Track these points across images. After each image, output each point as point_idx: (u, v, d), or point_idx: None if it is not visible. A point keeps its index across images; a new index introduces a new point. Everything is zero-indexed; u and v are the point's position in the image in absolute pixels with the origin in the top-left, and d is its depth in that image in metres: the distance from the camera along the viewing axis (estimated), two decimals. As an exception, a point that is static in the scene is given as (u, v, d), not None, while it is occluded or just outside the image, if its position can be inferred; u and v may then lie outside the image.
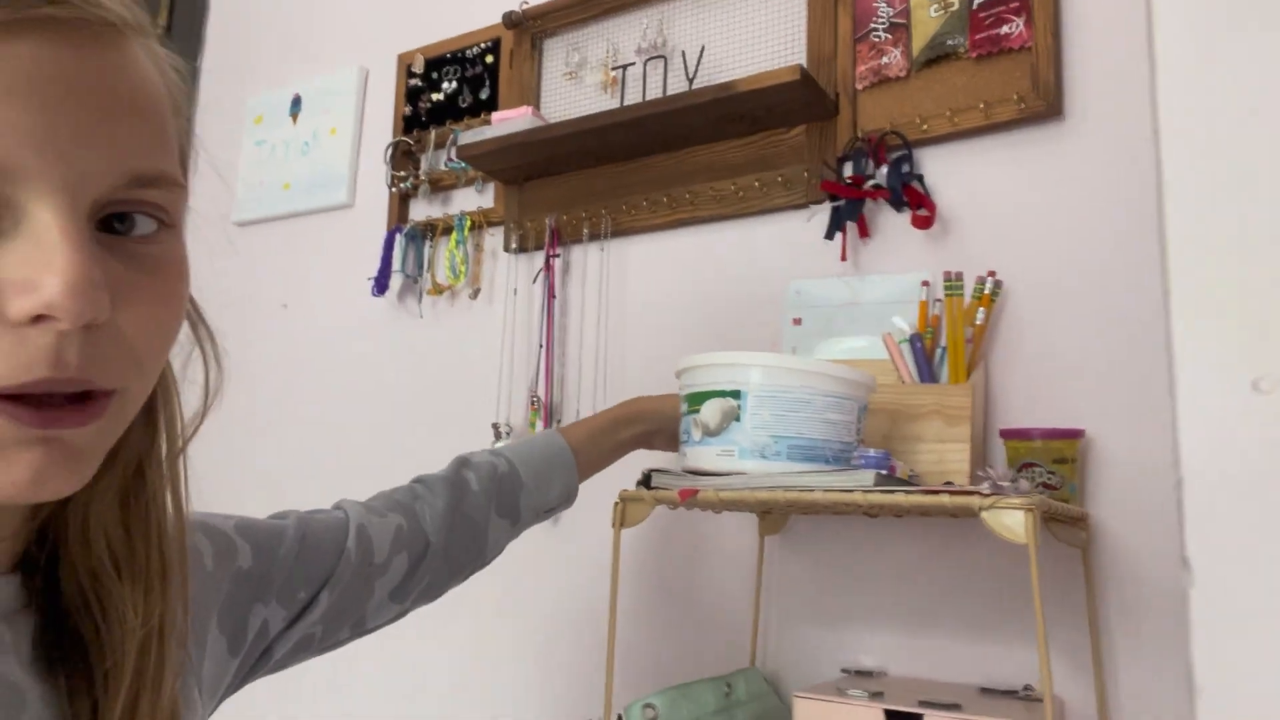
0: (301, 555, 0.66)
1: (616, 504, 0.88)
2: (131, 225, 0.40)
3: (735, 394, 0.85)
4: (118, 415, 0.40)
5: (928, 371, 1.02)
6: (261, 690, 0.67)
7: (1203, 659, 0.39)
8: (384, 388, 1.53)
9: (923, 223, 1.10)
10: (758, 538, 1.13)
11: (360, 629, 0.73)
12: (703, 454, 0.86)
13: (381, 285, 1.53)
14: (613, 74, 1.38)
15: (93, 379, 0.38)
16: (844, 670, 1.04)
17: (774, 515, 1.12)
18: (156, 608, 0.46)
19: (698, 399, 0.87)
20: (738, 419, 0.84)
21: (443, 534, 0.78)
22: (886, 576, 1.07)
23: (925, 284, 1.09)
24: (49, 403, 0.37)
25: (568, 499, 0.89)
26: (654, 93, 1.31)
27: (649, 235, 1.33)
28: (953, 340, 1.01)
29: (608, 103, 1.38)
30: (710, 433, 0.85)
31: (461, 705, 1.34)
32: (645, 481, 0.88)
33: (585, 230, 1.36)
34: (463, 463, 0.84)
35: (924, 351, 1.03)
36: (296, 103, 1.79)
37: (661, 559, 1.22)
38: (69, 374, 0.37)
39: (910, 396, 1.00)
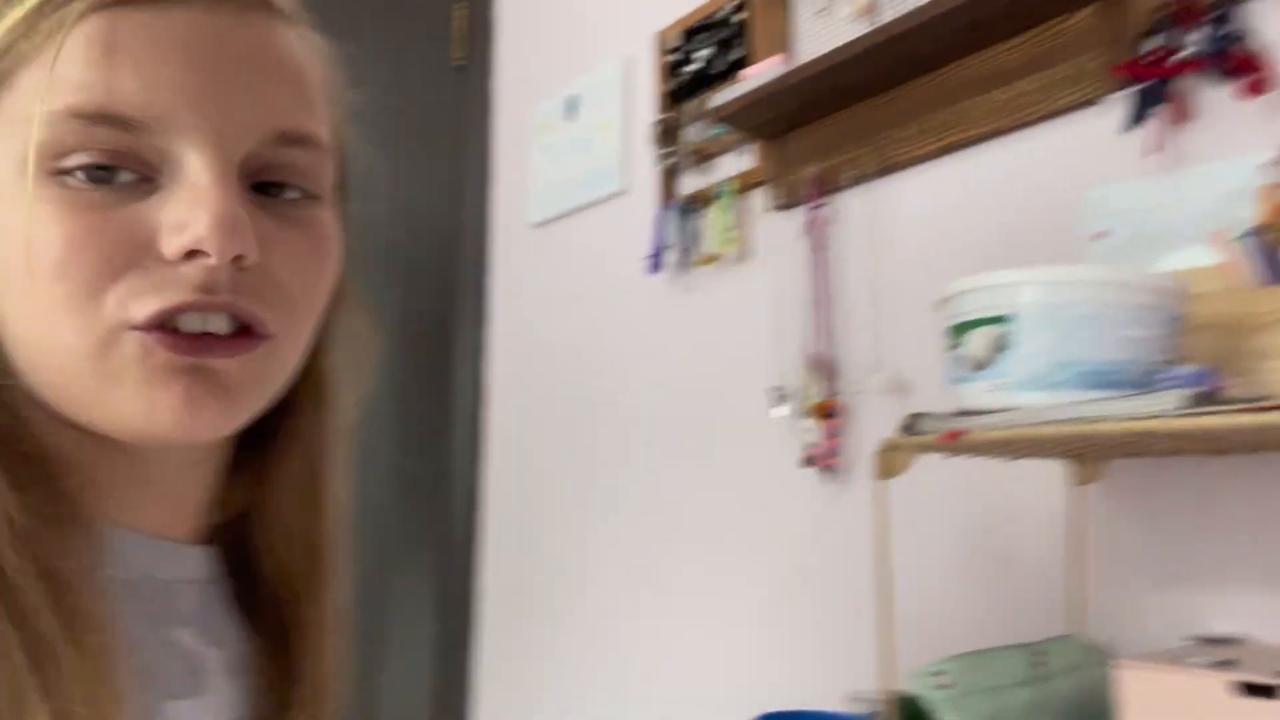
0: None
1: (876, 453, 0.81)
2: (281, 193, 0.43)
3: (1004, 319, 0.74)
4: (268, 360, 0.42)
5: (1273, 270, 0.82)
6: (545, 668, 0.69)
7: None
8: (665, 363, 1.55)
9: (1255, 88, 0.88)
10: (1068, 488, 0.98)
11: None
12: (972, 391, 0.76)
13: (655, 263, 1.56)
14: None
15: (242, 307, 0.40)
16: (1190, 638, 0.87)
17: (1089, 460, 0.97)
18: (327, 596, 0.49)
19: (961, 330, 0.77)
20: (1009, 347, 0.73)
21: None
22: (1247, 526, 0.88)
23: (1268, 165, 0.88)
24: (200, 339, 0.40)
25: None
26: (913, 8, 1.19)
27: (917, 168, 1.22)
28: (1306, 228, 0.80)
29: (864, 31, 1.28)
30: (979, 366, 0.75)
31: (732, 686, 1.32)
32: (909, 427, 0.80)
33: (849, 174, 1.28)
34: None
35: (1270, 247, 0.83)
36: (573, 102, 1.88)
37: (954, 516, 1.10)
38: (218, 297, 0.39)
39: (1252, 303, 0.81)
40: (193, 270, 0.39)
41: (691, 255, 1.51)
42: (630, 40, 1.74)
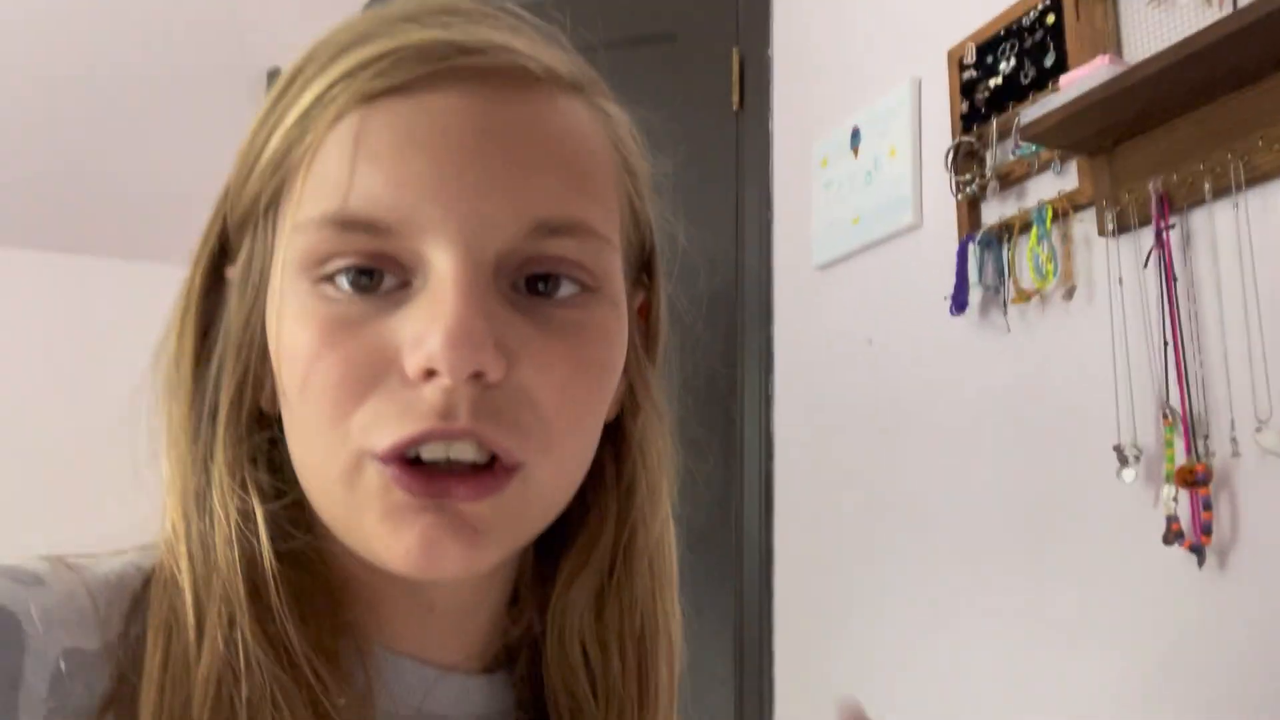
0: None
1: (1298, 549, 0.61)
2: (555, 288, 0.38)
3: None
4: (521, 495, 0.37)
5: None
6: None
7: None
8: (975, 416, 1.37)
9: None
10: None
11: None
12: None
13: (960, 303, 1.39)
14: (1216, -21, 1.06)
15: (486, 435, 0.35)
16: None
17: None
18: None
19: None
20: None
21: None
22: None
23: None
24: (442, 471, 0.35)
25: None
26: (1283, -20, 0.96)
27: (1305, 172, 0.97)
28: None
29: (1213, 18, 1.06)
30: None
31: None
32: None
33: (1207, 186, 1.05)
34: None
35: None
36: (855, 135, 1.77)
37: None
38: (459, 424, 0.35)
39: None
40: (432, 392, 0.35)
41: (1004, 292, 1.33)
42: (918, 61, 1.60)
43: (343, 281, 0.36)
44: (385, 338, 0.35)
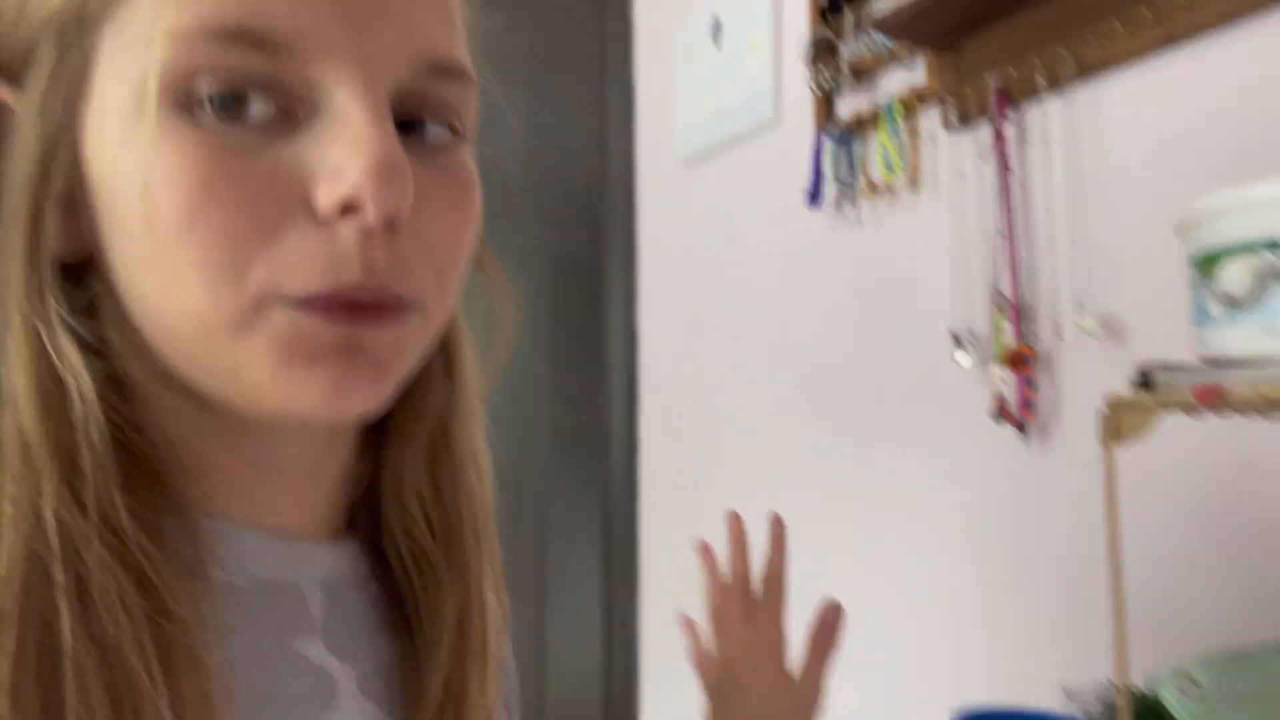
0: None
1: (1103, 413, 0.67)
2: (423, 132, 0.36)
3: (1275, 245, 0.58)
4: (417, 333, 0.36)
5: None
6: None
7: None
8: (831, 304, 1.43)
9: None
10: (1341, 448, 0.81)
11: None
12: (1229, 336, 0.61)
13: (815, 196, 1.43)
14: (1058, -127, 1.08)
15: (396, 285, 0.34)
16: None
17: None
18: (473, 575, 0.42)
19: (1212, 259, 0.62)
20: None
21: None
22: None
23: None
24: (352, 307, 0.34)
25: None
26: (1118, -124, 1.00)
27: (1127, 69, 1.03)
28: None
29: (1055, -88, 1.09)
30: (1238, 305, 0.60)
31: (926, 680, 1.20)
32: (1144, 381, 0.66)
33: (1040, 81, 1.10)
34: None
35: None
36: (717, 26, 1.75)
37: (1198, 481, 0.94)
38: (377, 280, 0.33)
39: None
40: (349, 234, 0.32)
41: (856, 185, 1.37)
42: (779, -50, 1.59)
43: (211, 107, 0.32)
44: (287, 170, 0.32)
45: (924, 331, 1.24)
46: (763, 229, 1.59)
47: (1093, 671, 0.96)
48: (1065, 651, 1.04)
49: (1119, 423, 0.65)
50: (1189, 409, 0.62)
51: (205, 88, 0.31)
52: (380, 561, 0.44)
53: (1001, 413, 1.10)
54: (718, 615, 0.71)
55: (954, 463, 1.20)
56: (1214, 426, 0.90)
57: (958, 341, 1.17)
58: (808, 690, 0.68)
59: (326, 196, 0.32)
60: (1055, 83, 1.09)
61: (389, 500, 0.44)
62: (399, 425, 0.44)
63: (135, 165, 0.32)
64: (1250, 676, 0.65)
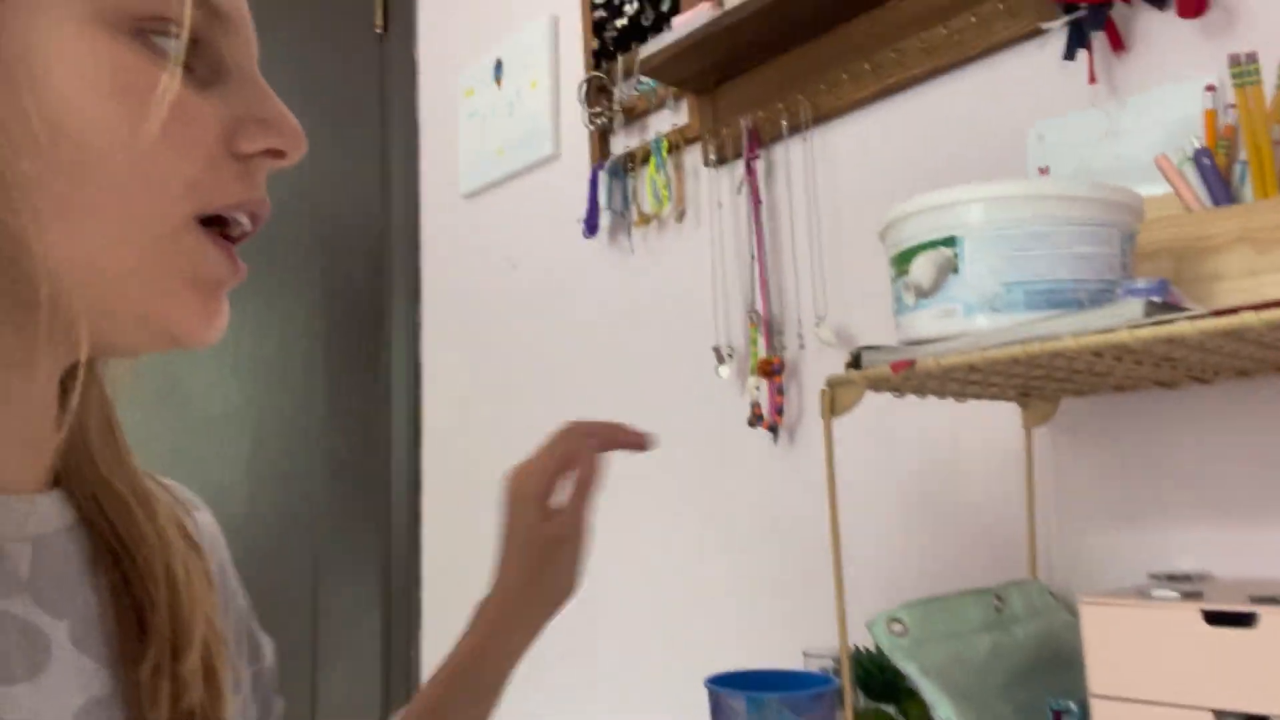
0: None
1: (823, 391, 0.76)
2: None
3: (950, 241, 0.69)
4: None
5: (1224, 192, 0.80)
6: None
7: None
8: (607, 326, 1.50)
9: (1192, 9, 0.86)
10: (1019, 430, 0.95)
11: None
12: (919, 320, 0.72)
13: (592, 225, 1.50)
14: (794, -57, 1.23)
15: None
16: (1152, 575, 0.84)
17: (1037, 400, 0.94)
18: (166, 518, 0.43)
19: (905, 257, 0.73)
20: (956, 270, 0.69)
21: None
22: (1201, 461, 0.85)
23: (1210, 89, 0.85)
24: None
25: None
26: (841, -51, 1.15)
27: (856, 113, 1.18)
28: (1254, 145, 0.77)
29: (793, -24, 1.23)
30: (925, 293, 0.70)
31: (688, 651, 1.27)
32: (854, 361, 0.75)
33: (784, 123, 1.23)
34: None
35: (1215, 168, 0.80)
36: (498, 66, 1.81)
37: (906, 459, 1.07)
38: (268, 204, 0.41)
39: (1202, 226, 0.78)
40: (259, 167, 0.41)
41: (629, 216, 1.46)
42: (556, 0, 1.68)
43: (166, 46, 0.37)
44: (217, 111, 0.39)
45: (692, 349, 1.33)
46: (543, 258, 1.65)
47: (833, 634, 1.06)
48: (807, 619, 1.14)
49: (835, 398, 0.74)
50: (888, 382, 0.72)
51: (160, 28, 0.37)
52: (94, 507, 0.43)
53: (756, 418, 1.20)
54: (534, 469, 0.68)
55: (716, 464, 1.29)
56: (926, 411, 1.04)
57: (719, 356, 1.27)
58: (567, 521, 0.67)
59: (259, 141, 0.40)
60: (795, 125, 1.22)
61: (91, 447, 0.44)
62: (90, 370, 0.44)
63: (70, 73, 0.35)
64: (945, 617, 0.76)
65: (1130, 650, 0.67)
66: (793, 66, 1.23)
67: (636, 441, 0.69)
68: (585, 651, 1.45)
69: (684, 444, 1.33)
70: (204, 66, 0.39)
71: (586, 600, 1.44)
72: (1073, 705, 0.72)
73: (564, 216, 1.59)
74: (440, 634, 1.79)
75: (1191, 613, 0.64)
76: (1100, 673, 0.68)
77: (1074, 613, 0.89)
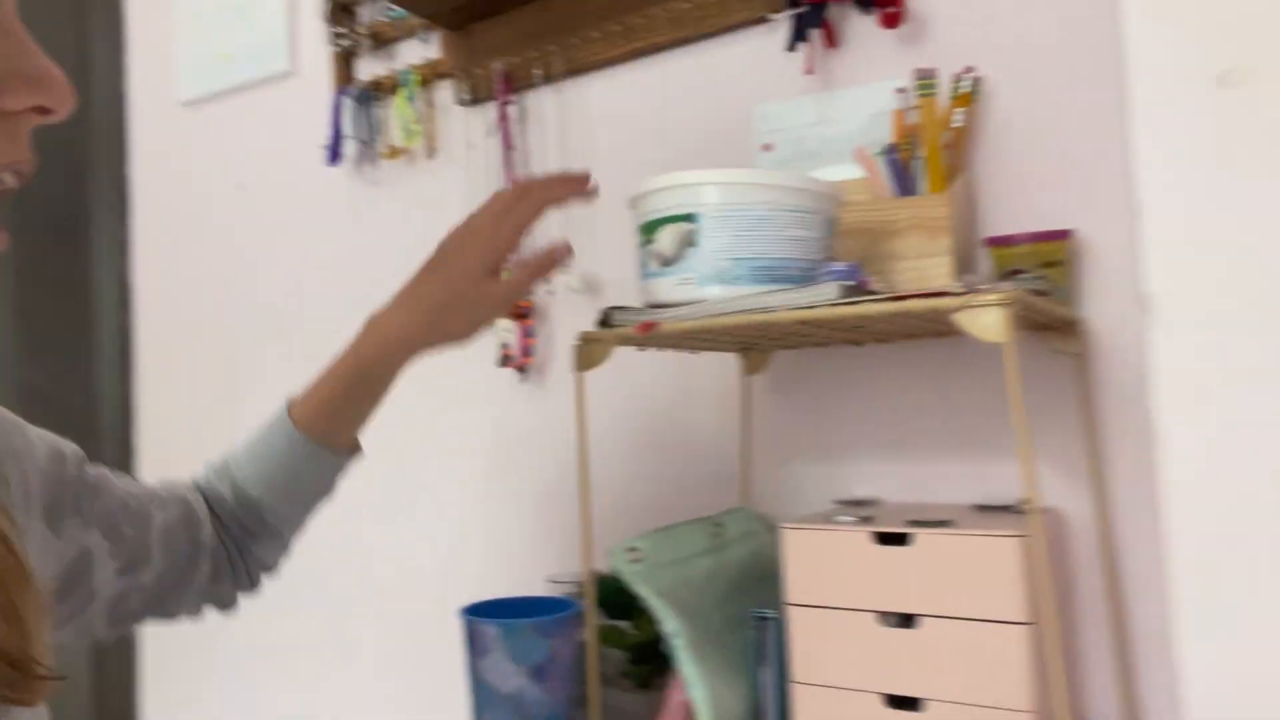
0: (118, 487, 0.64)
1: (575, 345, 0.83)
2: None
3: (690, 217, 0.78)
4: None
5: (906, 184, 0.95)
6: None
7: (1164, 402, 0.34)
8: (350, 261, 1.47)
9: (891, 20, 1.00)
10: (740, 377, 1.09)
11: (177, 612, 0.71)
12: (662, 285, 0.80)
13: (335, 153, 1.45)
14: (551, -109, 1.25)
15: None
16: (836, 502, 1.01)
17: (755, 353, 1.08)
18: None
19: (652, 227, 0.81)
20: (694, 244, 0.78)
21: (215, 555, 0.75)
22: (878, 407, 1.03)
23: (900, 91, 1.00)
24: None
25: (343, 474, 0.82)
26: (596, -93, 1.19)
27: (606, 71, 1.23)
28: (930, 147, 0.93)
29: (549, -75, 1.25)
30: (667, 262, 0.79)
31: (442, 583, 1.34)
32: (605, 320, 0.83)
33: (538, 72, 1.26)
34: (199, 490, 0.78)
35: (900, 163, 0.95)
36: (225, -34, 1.66)
37: (644, 405, 1.18)
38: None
39: (887, 212, 0.93)
40: (27, 122, 0.40)
41: (376, 147, 1.43)
42: (294, -99, 1.56)
43: None
44: None
45: (439, 289, 1.35)
46: (277, 182, 1.57)
47: (574, 562, 1.17)
48: (553, 549, 1.24)
49: (586, 353, 0.82)
50: (634, 340, 0.81)
51: None
52: None
53: (506, 359, 1.26)
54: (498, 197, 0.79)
55: (466, 404, 1.33)
56: (660, 362, 1.15)
57: (468, 298, 1.30)
58: (505, 289, 0.78)
59: (31, 99, 0.39)
60: (549, 75, 1.26)
61: None
62: None
63: None
64: (674, 544, 0.87)
65: (818, 565, 0.81)
66: (547, 16, 1.26)
67: (583, 188, 0.80)
68: (343, 586, 1.46)
69: (434, 385, 1.36)
70: None
71: (341, 537, 1.45)
72: (773, 613, 0.87)
73: (302, 140, 1.52)
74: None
75: (864, 535, 0.80)
76: (795, 585, 0.82)
77: (776, 535, 1.05)
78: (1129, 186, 0.86)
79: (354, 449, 0.81)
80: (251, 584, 0.79)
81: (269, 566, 0.80)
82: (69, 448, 0.61)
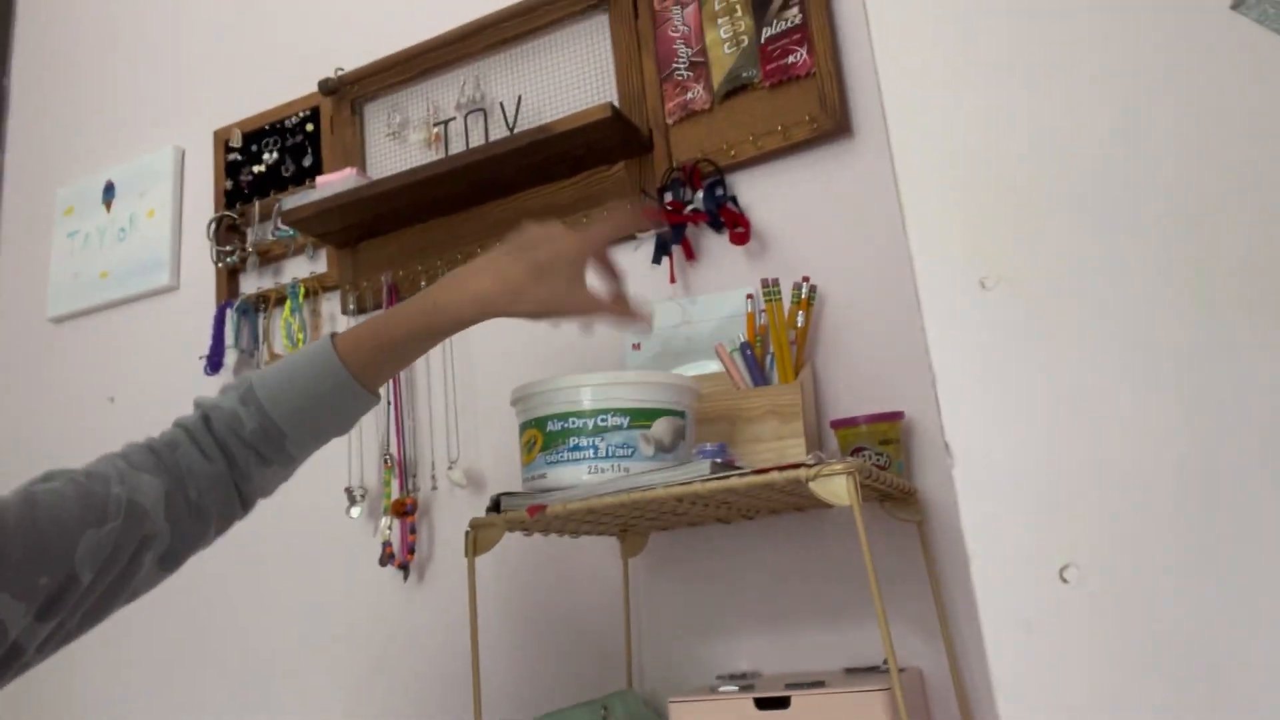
0: (34, 535, 0.59)
1: (467, 533, 0.88)
2: None
3: (682, 414, 0.88)
4: None
5: (760, 376, 1.07)
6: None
7: (971, 522, 0.43)
8: (227, 468, 1.46)
9: (740, 239, 1.16)
10: (621, 561, 1.14)
11: (131, 599, 0.69)
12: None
13: (215, 363, 1.48)
14: (435, 130, 1.40)
15: None
16: (719, 676, 1.05)
17: (633, 535, 1.14)
18: None
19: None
20: (684, 436, 0.86)
21: (210, 495, 0.72)
22: (750, 582, 1.10)
23: (750, 297, 1.15)
24: None
25: (359, 417, 0.80)
26: (477, 144, 1.34)
27: (486, 282, 1.35)
28: (778, 343, 1.06)
29: (433, 159, 1.40)
30: (665, 448, 0.86)
31: (338, 789, 1.27)
32: (495, 506, 0.88)
33: (423, 284, 1.37)
34: (206, 419, 0.76)
35: (754, 358, 1.08)
36: (109, 189, 1.73)
37: (529, 592, 1.21)
38: None
39: (746, 400, 1.04)
40: None
41: (259, 356, 1.47)
42: (182, 131, 1.67)
43: None
44: None
45: (325, 492, 1.36)
46: (150, 394, 1.57)
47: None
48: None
49: (478, 539, 0.86)
50: (524, 523, 0.86)
51: None
52: None
53: (388, 558, 1.27)
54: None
55: (349, 606, 1.31)
56: (543, 550, 1.19)
57: (352, 498, 1.32)
58: (590, 294, 0.81)
59: None
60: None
61: None
62: None
63: None
64: (567, 724, 0.89)
65: (705, 735, 0.85)
66: (434, 234, 1.38)
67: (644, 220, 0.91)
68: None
69: (315, 585, 1.34)
70: None
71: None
72: (663, 790, 0.88)
73: (179, 351, 1.54)
74: None
75: (746, 702, 0.84)
76: (684, 758, 0.85)
77: (662, 716, 1.07)
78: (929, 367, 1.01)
79: (377, 396, 0.80)
80: (244, 510, 0.76)
81: (267, 493, 0.77)
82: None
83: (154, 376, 1.57)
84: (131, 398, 1.59)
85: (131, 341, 1.62)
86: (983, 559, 0.43)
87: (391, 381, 1.34)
